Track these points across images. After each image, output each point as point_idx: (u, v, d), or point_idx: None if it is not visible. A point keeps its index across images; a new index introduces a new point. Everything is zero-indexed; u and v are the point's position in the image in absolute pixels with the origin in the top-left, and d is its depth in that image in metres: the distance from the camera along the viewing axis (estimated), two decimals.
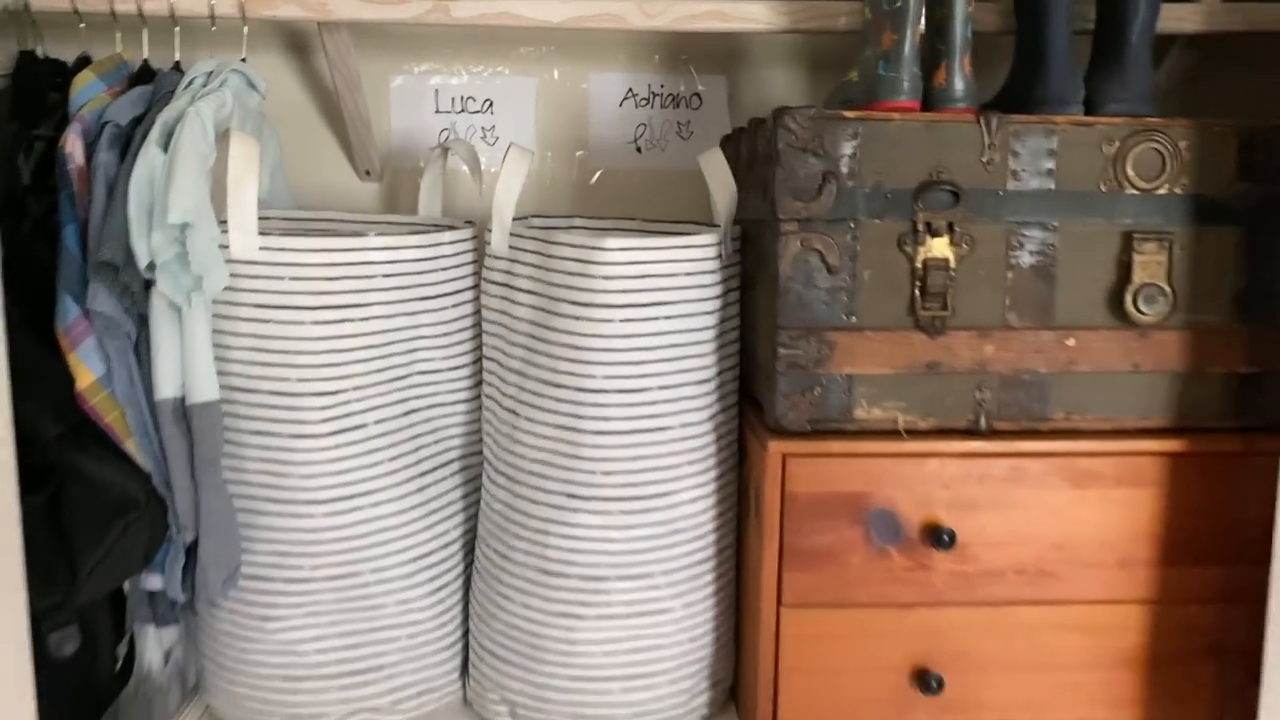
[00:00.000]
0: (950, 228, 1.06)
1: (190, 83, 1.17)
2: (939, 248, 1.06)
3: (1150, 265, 1.07)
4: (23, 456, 0.91)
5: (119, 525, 1.07)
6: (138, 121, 1.14)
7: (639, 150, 1.56)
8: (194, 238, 1.05)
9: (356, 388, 1.13)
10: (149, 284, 1.08)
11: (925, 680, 1.11)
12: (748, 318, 1.21)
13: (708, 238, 1.14)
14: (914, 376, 1.08)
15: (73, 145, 1.11)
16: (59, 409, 1.07)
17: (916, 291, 1.07)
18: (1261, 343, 1.09)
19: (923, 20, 1.10)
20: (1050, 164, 1.06)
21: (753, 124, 1.18)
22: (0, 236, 1.04)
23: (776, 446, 1.08)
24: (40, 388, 1.06)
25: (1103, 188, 1.07)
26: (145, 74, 1.26)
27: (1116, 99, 1.10)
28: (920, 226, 1.06)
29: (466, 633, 1.26)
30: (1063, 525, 1.11)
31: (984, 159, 1.06)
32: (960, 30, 1.09)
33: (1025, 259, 1.07)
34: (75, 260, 1.10)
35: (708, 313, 1.15)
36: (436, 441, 1.23)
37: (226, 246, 1.09)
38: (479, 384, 1.25)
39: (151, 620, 1.23)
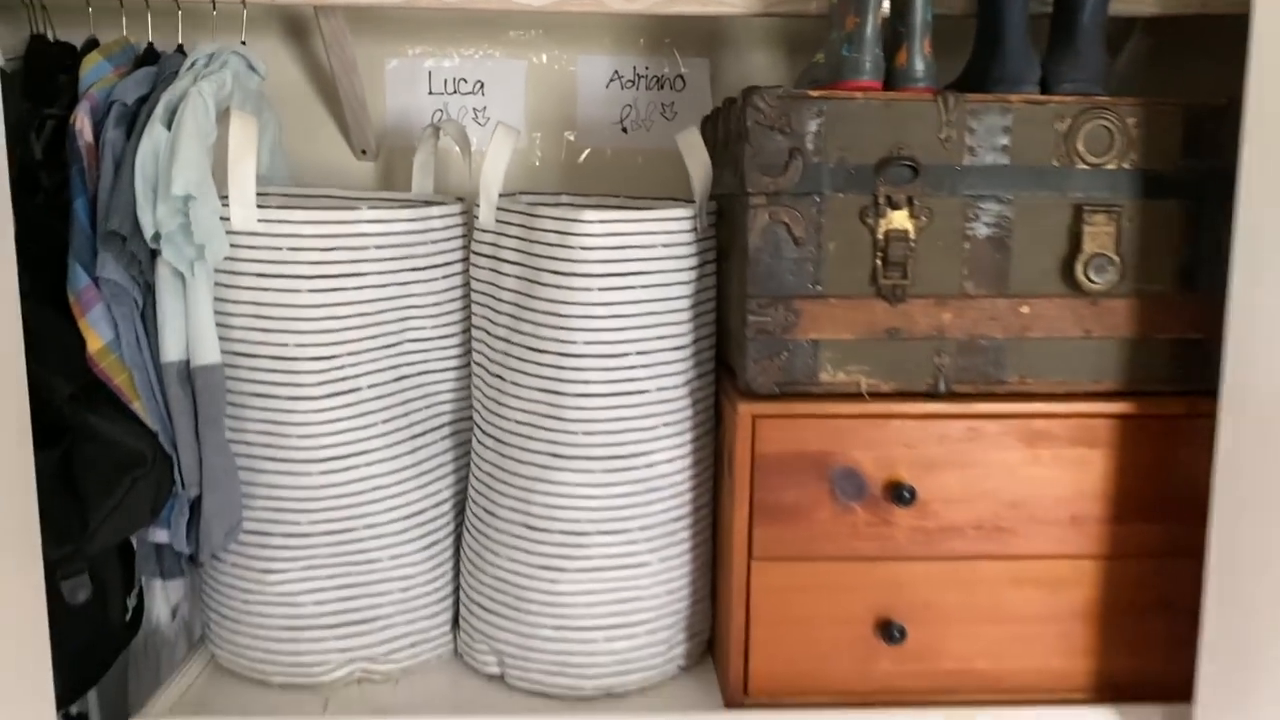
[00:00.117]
0: (910, 201, 1.12)
1: (193, 64, 1.23)
2: (899, 220, 1.12)
3: (1100, 236, 1.13)
4: (37, 415, 0.97)
5: (127, 480, 1.13)
6: (143, 101, 1.20)
7: (625, 130, 1.61)
8: (196, 209, 1.11)
9: (351, 353, 1.19)
10: (154, 253, 1.14)
11: (889, 630, 1.17)
12: (723, 288, 1.27)
13: (682, 211, 1.19)
14: (876, 342, 1.14)
15: (82, 123, 1.17)
16: (71, 371, 1.13)
17: (878, 261, 1.13)
18: (1204, 310, 1.13)
19: (885, 4, 1.15)
20: (1005, 140, 1.12)
21: (726, 104, 1.23)
22: (14, 209, 1.10)
23: (747, 408, 1.14)
24: (53, 351, 1.11)
25: (1055, 163, 1.12)
26: (150, 56, 1.31)
27: (1070, 79, 1.15)
28: (881, 200, 1.12)
29: (458, 589, 1.33)
30: (1018, 483, 1.16)
31: (942, 136, 1.11)
32: (920, 14, 1.14)
33: (981, 230, 1.13)
34: (85, 231, 1.15)
35: (683, 283, 1.20)
36: (428, 406, 1.29)
37: (227, 218, 1.15)
38: (468, 352, 1.31)
39: (158, 574, 1.29)
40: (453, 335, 1.29)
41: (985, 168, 1.12)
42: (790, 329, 1.14)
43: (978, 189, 1.12)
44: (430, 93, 1.59)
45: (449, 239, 1.27)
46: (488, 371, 1.25)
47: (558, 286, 1.16)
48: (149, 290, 1.16)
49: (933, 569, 1.17)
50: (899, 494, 1.14)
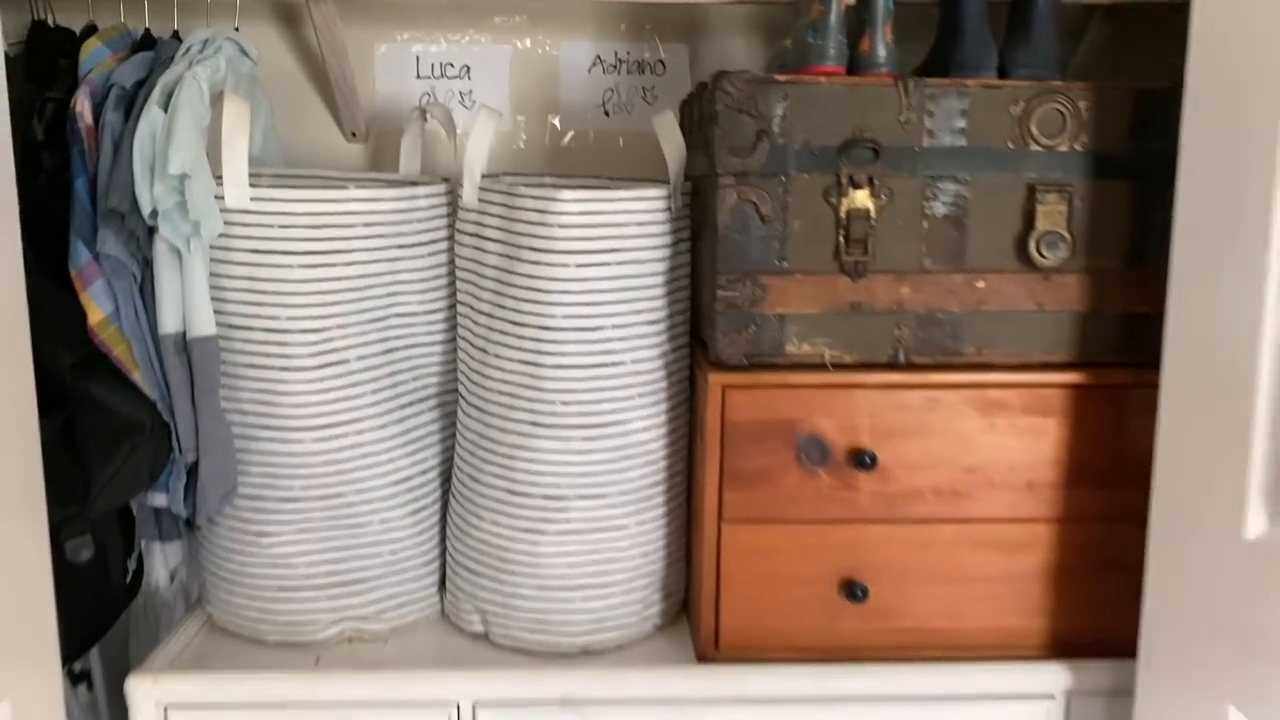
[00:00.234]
0: (871, 181, 1.17)
1: (188, 50, 1.27)
2: (861, 199, 1.17)
3: (1052, 214, 1.18)
4: (41, 385, 1.02)
5: (127, 446, 1.19)
6: (140, 85, 1.24)
7: (607, 114, 1.67)
8: (192, 188, 1.16)
9: (340, 326, 1.24)
10: (152, 230, 1.19)
11: (852, 589, 1.23)
12: (696, 265, 1.32)
13: (655, 191, 1.25)
14: (839, 315, 1.20)
15: (82, 106, 1.22)
16: (73, 342, 1.18)
17: (841, 239, 1.18)
18: (1151, 286, 1.18)
19: None
20: (962, 123, 1.17)
21: (699, 88, 1.29)
22: (18, 189, 1.15)
23: (716, 379, 1.20)
24: (56, 323, 1.16)
25: (1010, 144, 1.17)
26: (147, 41, 1.36)
27: (1025, 64, 1.21)
28: (844, 180, 1.17)
29: (444, 552, 1.39)
30: (975, 450, 1.21)
31: (902, 119, 1.17)
32: (882, 2, 1.19)
33: (939, 209, 1.18)
34: (86, 209, 1.21)
35: (657, 260, 1.26)
36: (415, 378, 1.34)
37: (221, 197, 1.20)
38: (454, 326, 1.36)
39: (157, 536, 1.35)
40: (438, 310, 1.34)
41: (943, 149, 1.17)
42: (758, 303, 1.19)
43: (936, 169, 1.17)
44: (418, 77, 1.64)
45: (434, 218, 1.32)
46: (472, 345, 1.31)
47: (537, 263, 1.21)
48: (147, 265, 1.21)
49: (893, 531, 1.23)
50: (861, 460, 1.20)
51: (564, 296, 1.21)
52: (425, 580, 1.37)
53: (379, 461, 1.30)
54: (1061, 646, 1.26)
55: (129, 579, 1.40)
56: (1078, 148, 1.18)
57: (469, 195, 1.30)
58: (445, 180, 1.37)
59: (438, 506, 1.37)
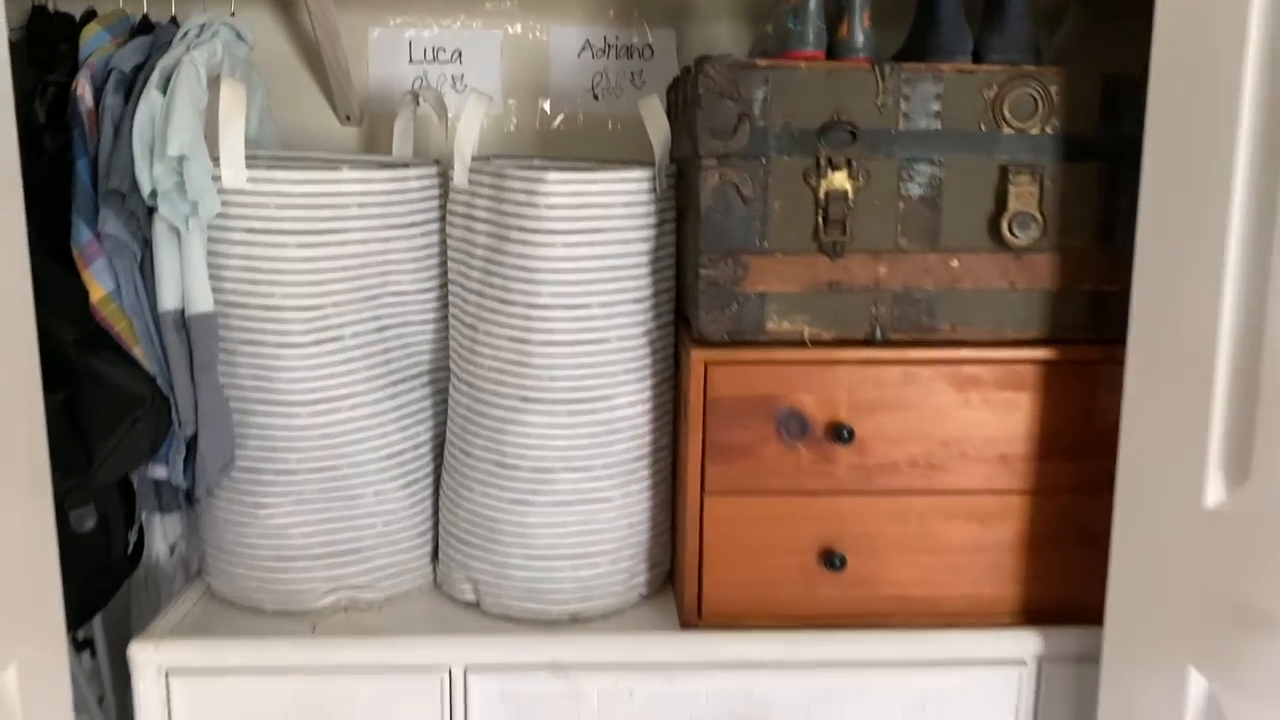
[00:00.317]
0: (849, 163, 1.20)
1: (185, 34, 1.30)
2: (839, 181, 1.21)
3: (1024, 195, 1.21)
4: (45, 360, 1.05)
5: (128, 420, 1.22)
6: (139, 68, 1.27)
7: (596, 98, 1.70)
8: (190, 169, 1.19)
9: (334, 304, 1.28)
10: (152, 210, 1.22)
11: (830, 559, 1.27)
12: (681, 244, 1.36)
13: (640, 173, 1.28)
14: (818, 294, 1.23)
15: (83, 89, 1.24)
16: (75, 319, 1.21)
17: (820, 219, 1.22)
18: (1120, 264, 1.21)
19: None
20: (937, 107, 1.20)
21: (683, 72, 1.32)
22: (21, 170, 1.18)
23: (699, 355, 1.24)
24: (59, 301, 1.20)
25: (983, 127, 1.21)
26: (145, 26, 1.39)
27: (998, 50, 1.24)
28: (823, 162, 1.20)
29: (437, 523, 1.43)
30: (950, 424, 1.25)
31: (879, 102, 1.20)
32: None
33: (914, 190, 1.22)
34: (87, 190, 1.24)
35: (642, 239, 1.29)
36: (408, 356, 1.38)
37: (219, 178, 1.23)
38: (446, 305, 1.40)
39: (158, 508, 1.39)
40: (431, 289, 1.38)
41: (919, 132, 1.21)
42: (739, 282, 1.23)
43: (911, 152, 1.21)
44: (411, 61, 1.67)
45: (426, 199, 1.36)
46: (462, 323, 1.34)
47: (525, 243, 1.25)
48: (147, 244, 1.24)
49: (871, 503, 1.27)
50: (839, 434, 1.24)
51: (551, 275, 1.25)
52: (418, 551, 1.40)
53: (373, 436, 1.33)
54: (1033, 614, 1.30)
55: (130, 551, 1.44)
56: (1049, 131, 1.21)
57: (459, 177, 1.33)
58: (437, 162, 1.40)
59: (430, 479, 1.41)
